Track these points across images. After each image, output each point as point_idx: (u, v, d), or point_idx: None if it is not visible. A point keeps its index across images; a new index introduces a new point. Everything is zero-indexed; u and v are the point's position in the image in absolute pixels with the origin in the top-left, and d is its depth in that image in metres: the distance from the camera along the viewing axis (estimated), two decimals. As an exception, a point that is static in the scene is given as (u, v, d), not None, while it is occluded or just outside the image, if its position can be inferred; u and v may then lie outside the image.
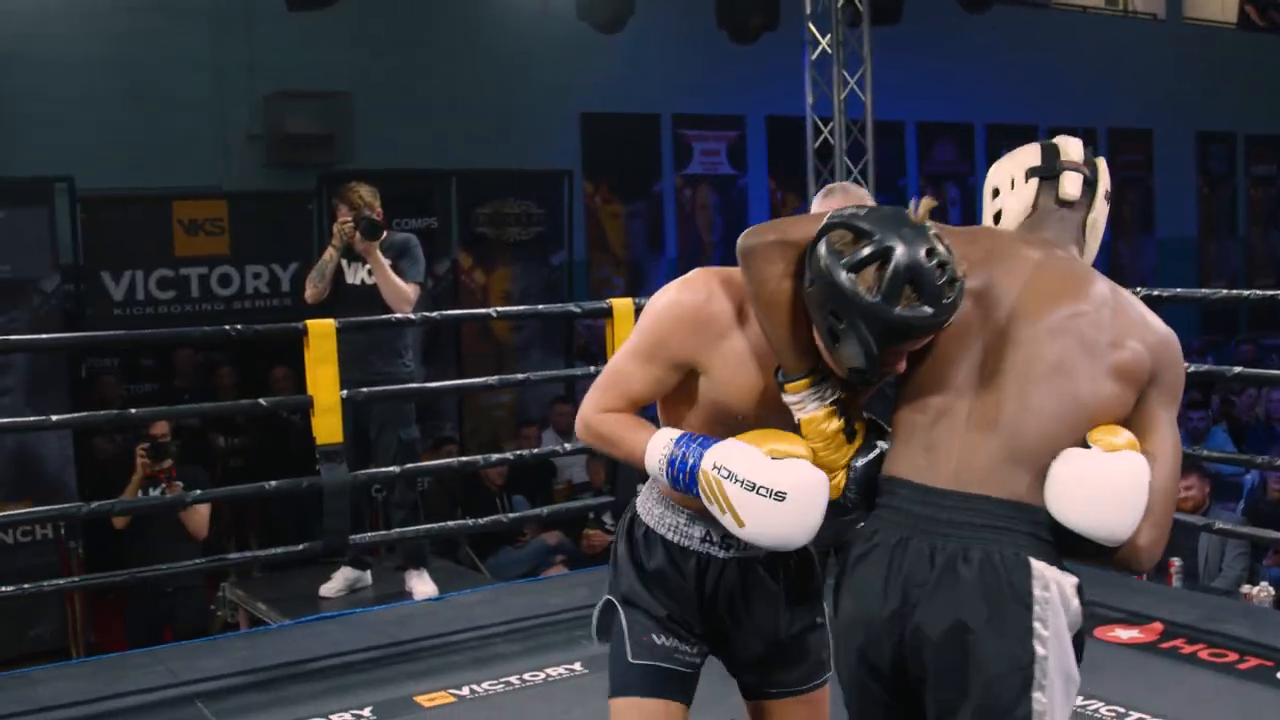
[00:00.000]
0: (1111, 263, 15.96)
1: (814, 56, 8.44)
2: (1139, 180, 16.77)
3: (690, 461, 2.36)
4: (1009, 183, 2.56)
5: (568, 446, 7.71)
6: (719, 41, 10.04)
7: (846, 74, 8.31)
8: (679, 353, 2.42)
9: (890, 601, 2.23)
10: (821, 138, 8.40)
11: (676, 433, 2.43)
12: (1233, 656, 4.67)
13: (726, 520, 2.32)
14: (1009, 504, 2.22)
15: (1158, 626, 4.99)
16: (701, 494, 2.34)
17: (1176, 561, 6.63)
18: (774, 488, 2.26)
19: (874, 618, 2.26)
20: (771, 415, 2.38)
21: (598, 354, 10.47)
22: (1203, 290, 7.07)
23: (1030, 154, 2.56)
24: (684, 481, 2.37)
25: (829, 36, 8.34)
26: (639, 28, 9.73)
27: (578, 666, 4.88)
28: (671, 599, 2.58)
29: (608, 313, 5.95)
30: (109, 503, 5.88)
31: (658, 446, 2.41)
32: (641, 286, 12.30)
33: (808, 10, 8.42)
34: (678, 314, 2.42)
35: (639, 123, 12.46)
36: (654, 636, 2.57)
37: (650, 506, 2.61)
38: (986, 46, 13.77)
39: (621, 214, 12.61)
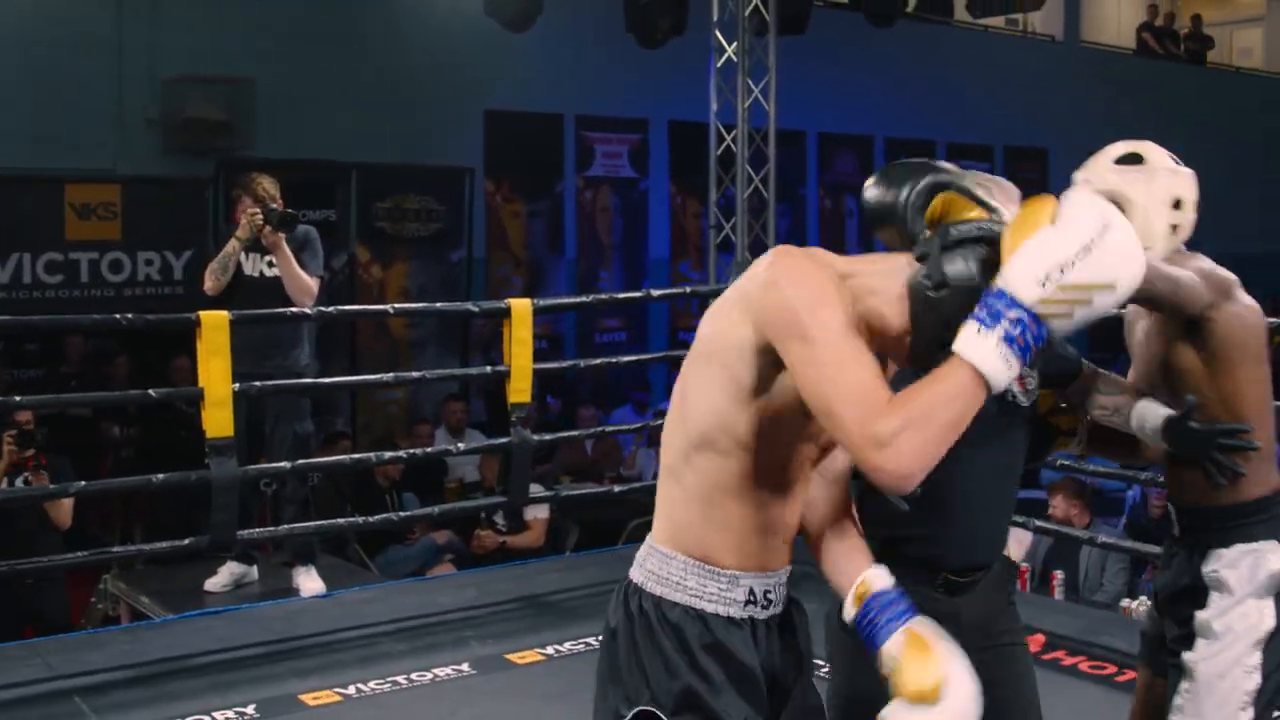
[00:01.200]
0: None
1: (719, 64, 8.48)
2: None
3: (999, 302, 1.93)
4: (1191, 204, 2.83)
5: (461, 446, 7.69)
6: (626, 44, 10.03)
7: (751, 82, 8.36)
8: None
9: None
10: (724, 145, 8.44)
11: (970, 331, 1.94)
12: (1112, 669, 4.78)
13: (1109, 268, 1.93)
14: None
15: (1040, 638, 5.07)
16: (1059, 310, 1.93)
17: (1059, 574, 6.76)
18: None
19: None
20: None
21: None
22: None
23: (1190, 184, 2.85)
24: (1029, 320, 1.92)
25: (735, 44, 8.38)
26: (546, 27, 9.69)
27: (465, 667, 4.87)
28: (742, 685, 2.19)
29: (506, 313, 5.95)
30: (-11, 490, 5.76)
31: (973, 345, 1.93)
32: (540, 287, 12.28)
33: (715, 18, 8.46)
34: (808, 262, 2.09)
35: (542, 122, 12.42)
36: None
37: (678, 579, 2.20)
38: (890, 61, 13.92)
39: (522, 213, 12.56)
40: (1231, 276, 2.84)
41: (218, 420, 5.22)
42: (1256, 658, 2.84)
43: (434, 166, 11.24)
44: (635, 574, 2.26)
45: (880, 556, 2.53)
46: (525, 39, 9.89)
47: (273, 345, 5.85)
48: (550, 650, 5.06)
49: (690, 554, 2.19)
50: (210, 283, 5.96)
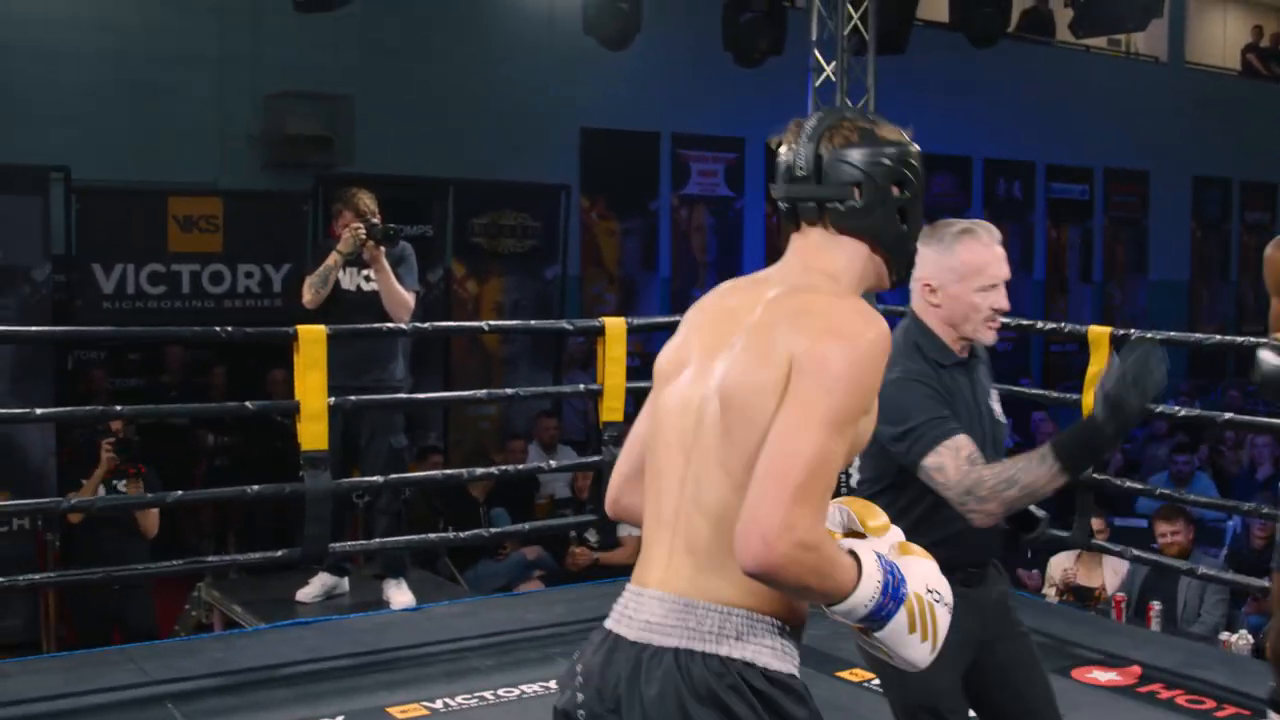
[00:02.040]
0: (1104, 303, 16.01)
1: (818, 83, 8.43)
2: (1133, 221, 16.80)
3: (898, 582, 1.93)
4: None
5: (553, 463, 7.70)
6: (723, 63, 10.02)
7: (850, 102, 8.31)
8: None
9: None
10: (821, 164, 8.38)
11: (869, 547, 1.95)
12: (1210, 704, 4.66)
13: (918, 650, 1.95)
14: None
15: (1136, 670, 4.97)
16: (898, 624, 1.93)
17: (1156, 605, 6.62)
18: (949, 597, 2.03)
19: None
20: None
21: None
22: (1196, 334, 7.05)
23: None
24: (886, 611, 1.92)
25: (834, 64, 8.33)
26: (644, 45, 9.70)
27: (553, 684, 4.82)
28: None
29: (600, 331, 5.94)
30: (89, 499, 5.85)
31: (871, 571, 1.91)
32: (634, 305, 12.28)
33: (814, 36, 8.42)
34: (884, 349, 1.98)
35: (638, 140, 12.44)
36: None
37: (790, 651, 2.01)
38: (989, 81, 13.77)
39: (617, 231, 12.59)
40: None
41: (313, 433, 5.25)
42: None
43: (530, 183, 11.30)
44: (735, 649, 1.96)
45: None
46: (623, 57, 9.92)
47: (370, 360, 5.87)
48: (638, 669, 5.03)
49: (788, 623, 2.02)
50: (309, 296, 5.97)
